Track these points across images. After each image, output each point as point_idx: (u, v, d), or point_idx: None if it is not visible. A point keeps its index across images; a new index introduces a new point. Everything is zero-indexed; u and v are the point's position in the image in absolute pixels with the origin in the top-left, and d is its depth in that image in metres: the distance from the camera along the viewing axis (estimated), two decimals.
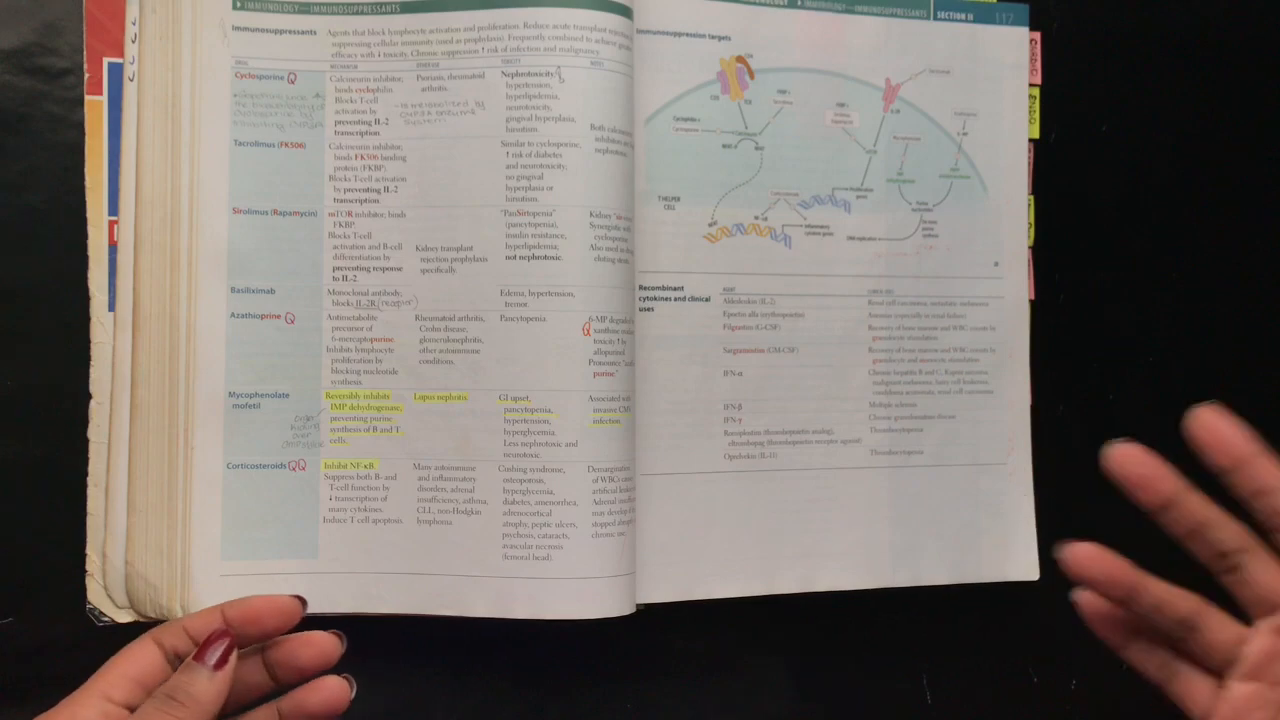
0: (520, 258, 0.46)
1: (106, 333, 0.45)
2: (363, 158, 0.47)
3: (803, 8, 0.52)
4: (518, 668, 0.50)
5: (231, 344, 0.46)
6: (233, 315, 0.46)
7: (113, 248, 0.46)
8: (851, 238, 0.52)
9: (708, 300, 0.50)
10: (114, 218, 0.46)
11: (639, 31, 0.49)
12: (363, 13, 0.47)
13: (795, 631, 0.52)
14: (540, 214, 0.46)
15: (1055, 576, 0.54)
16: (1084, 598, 0.37)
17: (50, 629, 0.45)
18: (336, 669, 0.39)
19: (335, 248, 0.47)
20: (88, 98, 0.46)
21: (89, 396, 0.45)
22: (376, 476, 0.47)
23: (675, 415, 0.50)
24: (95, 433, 0.45)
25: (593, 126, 0.46)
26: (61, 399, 0.45)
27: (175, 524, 0.45)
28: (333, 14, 0.47)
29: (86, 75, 0.46)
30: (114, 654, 0.38)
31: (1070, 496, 0.55)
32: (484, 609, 0.45)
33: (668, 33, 0.50)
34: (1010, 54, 0.54)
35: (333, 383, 0.47)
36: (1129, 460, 0.37)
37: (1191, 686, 0.36)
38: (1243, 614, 0.37)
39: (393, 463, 0.47)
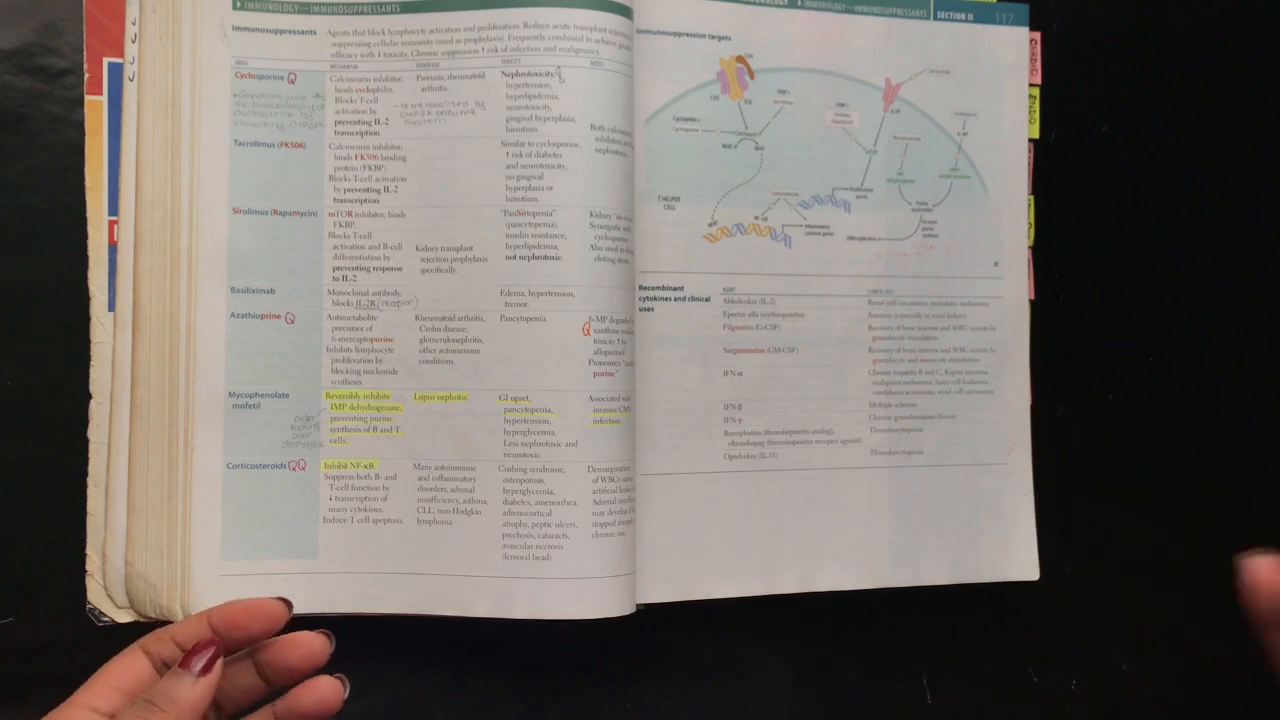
0: (520, 258, 0.46)
1: (106, 333, 0.45)
2: (363, 158, 0.47)
3: (803, 8, 0.52)
4: (518, 668, 0.50)
5: (231, 344, 0.46)
6: (233, 315, 0.46)
7: (113, 248, 0.46)
8: (851, 238, 0.52)
9: (708, 300, 0.50)
10: (114, 218, 0.46)
11: (639, 31, 0.49)
12: (363, 13, 0.47)
13: (795, 631, 0.52)
14: (540, 214, 0.46)
15: (1055, 576, 0.55)
16: (1259, 576, 0.36)
17: (50, 629, 0.45)
18: (330, 668, 0.39)
19: (335, 248, 0.47)
20: (88, 98, 0.46)
21: (89, 396, 0.45)
22: (376, 476, 0.47)
23: (675, 415, 0.50)
24: (95, 433, 0.45)
25: (593, 126, 0.46)
26: (61, 399, 0.45)
27: (175, 524, 0.45)
28: (333, 14, 0.47)
29: (86, 75, 0.46)
30: (112, 655, 0.38)
31: (1070, 496, 0.55)
32: (484, 609, 0.45)
33: (668, 33, 0.50)
34: (1010, 54, 0.54)
35: (333, 383, 0.47)
36: (1266, 572, 0.36)
37: None
38: None
39: (393, 463, 0.47)
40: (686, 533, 0.49)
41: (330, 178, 0.47)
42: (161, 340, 0.45)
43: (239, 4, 0.47)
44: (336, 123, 0.47)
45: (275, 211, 0.47)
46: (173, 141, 0.46)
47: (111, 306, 0.46)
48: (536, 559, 0.45)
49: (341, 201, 0.47)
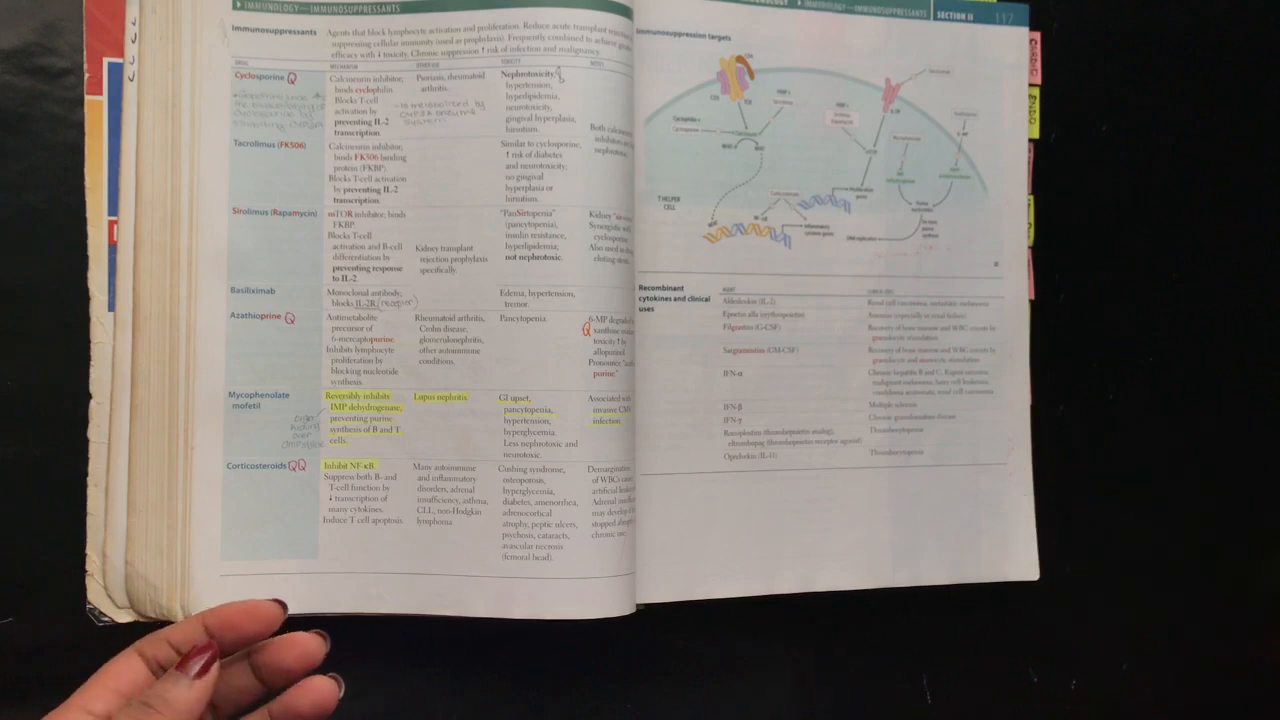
0: (520, 258, 0.46)
1: (106, 333, 0.45)
2: (363, 158, 0.47)
3: (803, 8, 0.52)
4: (518, 668, 0.50)
5: (231, 344, 0.46)
6: (233, 315, 0.46)
7: (113, 248, 0.46)
8: (851, 238, 0.52)
9: (708, 300, 0.50)
10: (114, 218, 0.46)
11: (639, 31, 0.49)
12: (363, 13, 0.47)
13: (795, 631, 0.52)
14: (540, 214, 0.46)
15: (1055, 576, 0.55)
16: None
17: (50, 629, 0.45)
18: (330, 668, 0.39)
19: (335, 248, 0.47)
20: (88, 98, 0.46)
21: (89, 396, 0.45)
22: (376, 476, 0.47)
23: (675, 415, 0.50)
24: (95, 433, 0.45)
25: (593, 126, 0.46)
26: (61, 399, 0.45)
27: (175, 524, 0.45)
28: (333, 14, 0.47)
29: (86, 75, 0.46)
30: (112, 655, 0.38)
31: (1070, 496, 0.55)
32: (484, 609, 0.45)
33: (668, 33, 0.50)
34: (1010, 54, 0.54)
35: (333, 383, 0.47)
36: None
37: None
38: None
39: (393, 463, 0.47)
40: (686, 533, 0.49)
41: (330, 178, 0.47)
42: (161, 340, 0.45)
43: (239, 4, 0.47)
44: (336, 123, 0.47)
45: (275, 211, 0.47)
46: (173, 141, 0.46)
47: (111, 306, 0.46)
48: (536, 559, 0.45)
49: (341, 201, 0.47)
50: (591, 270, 0.46)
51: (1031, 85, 0.55)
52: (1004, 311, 0.54)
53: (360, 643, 0.43)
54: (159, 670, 0.37)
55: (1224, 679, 0.57)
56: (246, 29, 0.47)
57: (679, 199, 0.50)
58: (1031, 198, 0.55)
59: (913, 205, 0.53)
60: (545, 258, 0.46)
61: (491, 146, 0.46)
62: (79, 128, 0.46)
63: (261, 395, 0.46)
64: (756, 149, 0.51)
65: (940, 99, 0.53)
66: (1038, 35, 0.55)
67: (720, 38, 0.51)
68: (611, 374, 0.46)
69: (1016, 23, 0.54)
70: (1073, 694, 0.56)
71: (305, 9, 0.47)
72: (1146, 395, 0.57)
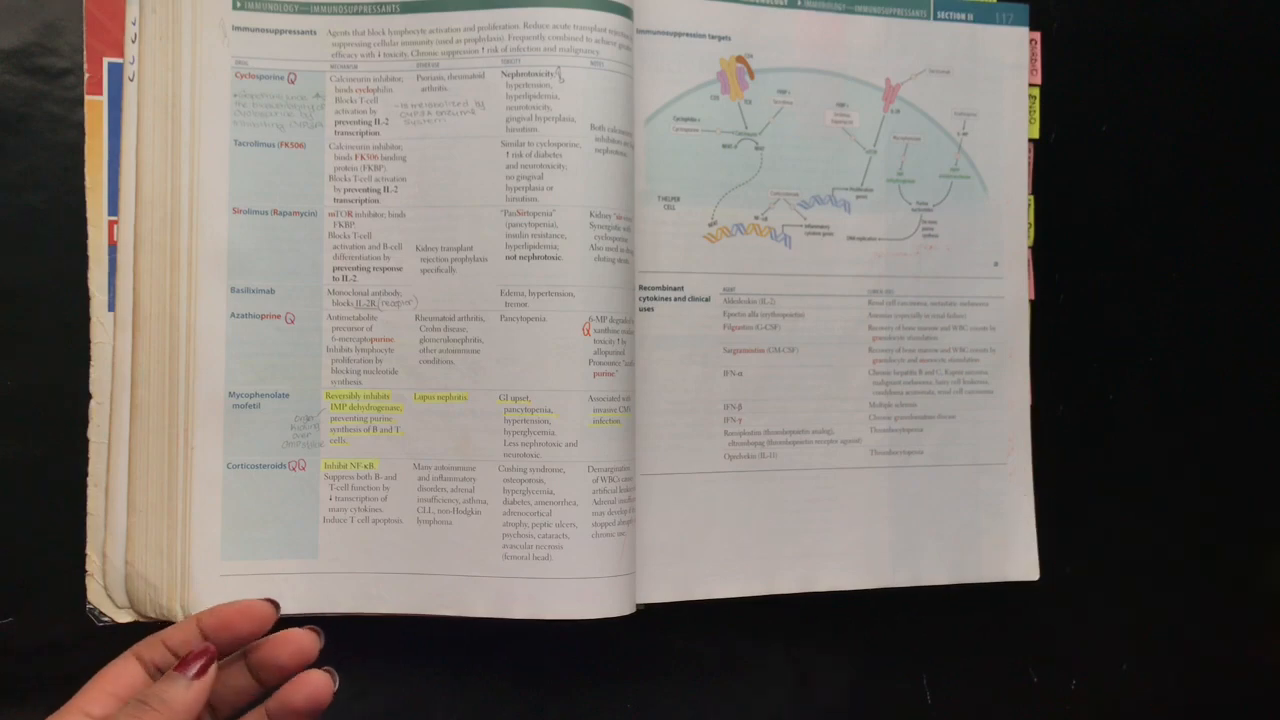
0: (520, 258, 0.46)
1: (106, 333, 0.45)
2: (363, 158, 0.47)
3: (803, 8, 0.52)
4: (518, 668, 0.50)
5: (231, 344, 0.46)
6: (233, 315, 0.46)
7: (113, 248, 0.46)
8: (851, 238, 0.52)
9: (708, 300, 0.50)
10: (114, 218, 0.46)
11: (639, 31, 0.49)
12: (363, 13, 0.47)
13: (795, 631, 0.52)
14: (540, 214, 0.46)
15: (1055, 576, 0.55)
16: None
17: (50, 629, 0.45)
18: (321, 664, 0.39)
19: (335, 248, 0.47)
20: (88, 98, 0.46)
21: (89, 396, 0.45)
22: (376, 476, 0.47)
23: (675, 415, 0.50)
24: (95, 433, 0.45)
25: (593, 126, 0.46)
26: (61, 399, 0.45)
27: (175, 524, 0.45)
28: (333, 14, 0.47)
29: (86, 75, 0.46)
30: (112, 655, 0.38)
31: (1070, 496, 0.55)
32: (484, 609, 0.45)
33: (668, 33, 0.50)
34: (1010, 54, 0.54)
35: (333, 383, 0.47)
36: None
37: None
38: None
39: (393, 463, 0.47)
40: (686, 533, 0.49)
41: (330, 178, 0.47)
42: (161, 340, 0.45)
43: (239, 4, 0.47)
44: (336, 123, 0.47)
45: (275, 211, 0.47)
46: (173, 141, 0.46)
47: (111, 306, 0.46)
48: (536, 559, 0.45)
49: (341, 201, 0.47)
50: (591, 270, 0.46)
51: (1031, 85, 0.55)
52: (1004, 311, 0.54)
53: (360, 643, 0.43)
54: (156, 673, 0.37)
55: (1224, 679, 0.57)
56: (246, 29, 0.47)
57: (679, 199, 0.50)
58: (1031, 198, 0.55)
59: (913, 205, 0.53)
60: (545, 258, 0.46)
61: (491, 146, 0.46)
62: (79, 128, 0.46)
63: (261, 395, 0.46)
64: (756, 149, 0.51)
65: (940, 99, 0.53)
66: (1038, 35, 0.55)
67: (720, 38, 0.51)
68: (611, 374, 0.46)
69: (1016, 23, 0.54)
70: (1073, 694, 0.56)
71: (305, 9, 0.47)
72: (1146, 395, 0.57)
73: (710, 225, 0.50)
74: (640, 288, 0.49)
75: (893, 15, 0.53)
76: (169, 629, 0.39)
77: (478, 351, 0.46)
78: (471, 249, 0.46)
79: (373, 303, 0.47)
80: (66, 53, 0.46)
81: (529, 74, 0.46)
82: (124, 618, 0.45)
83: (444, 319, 0.47)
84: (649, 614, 0.49)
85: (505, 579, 0.45)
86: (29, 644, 0.45)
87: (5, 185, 0.46)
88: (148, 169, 0.46)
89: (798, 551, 0.51)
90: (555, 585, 0.45)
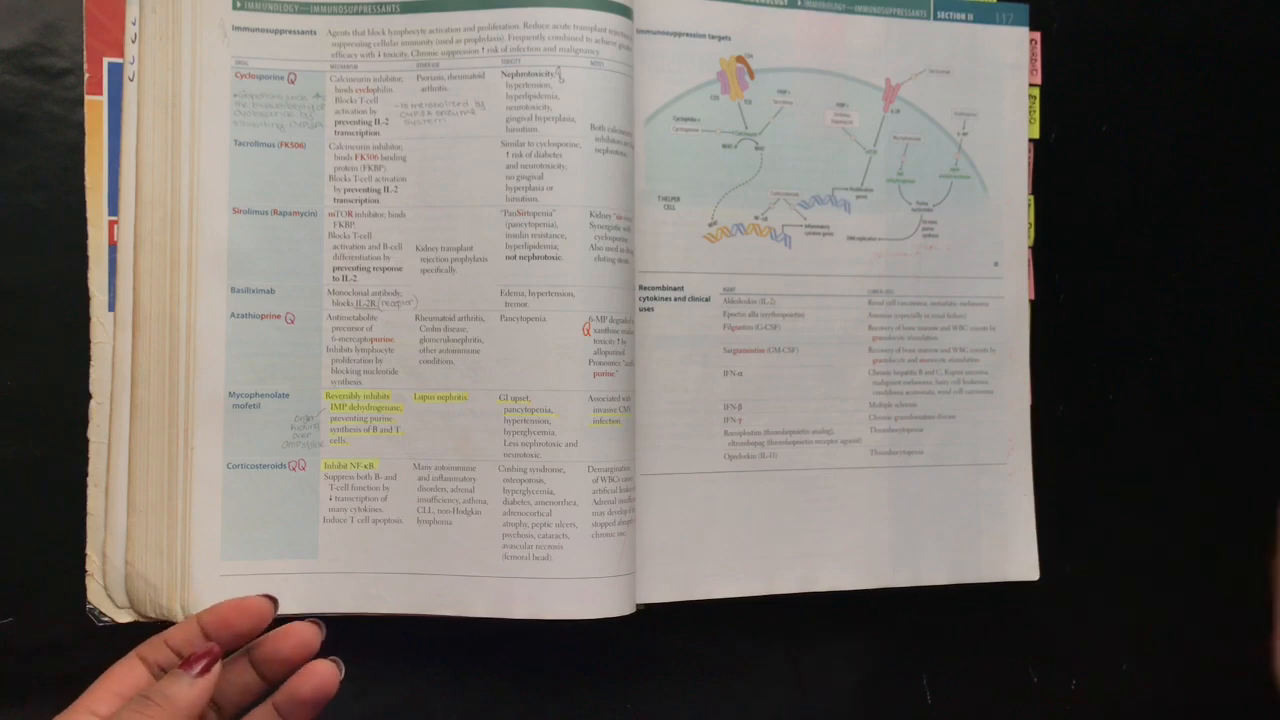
0: (520, 258, 0.46)
1: (106, 333, 0.45)
2: (363, 158, 0.47)
3: (803, 8, 0.52)
4: (518, 668, 0.50)
5: (231, 344, 0.46)
6: (233, 315, 0.46)
7: (113, 248, 0.46)
8: (851, 238, 0.52)
9: (708, 300, 0.50)
10: (114, 218, 0.46)
11: (639, 31, 0.49)
12: (363, 13, 0.47)
13: (795, 631, 0.52)
14: (540, 214, 0.46)
15: (1055, 576, 0.55)
16: None
17: (50, 629, 0.45)
18: (321, 656, 0.40)
19: (335, 248, 0.47)
20: (88, 98, 0.46)
21: (89, 396, 0.45)
22: (376, 476, 0.47)
23: (675, 415, 0.50)
24: (95, 433, 0.45)
25: (593, 126, 0.46)
26: (61, 399, 0.45)
27: (175, 524, 0.45)
28: (333, 14, 0.47)
29: (86, 75, 0.46)
30: (112, 655, 0.38)
31: (1070, 496, 0.55)
32: (484, 609, 0.45)
33: (668, 33, 0.50)
34: (1010, 54, 0.54)
35: (333, 383, 0.47)
36: None
37: None
38: None
39: (393, 463, 0.47)
40: (686, 533, 0.49)
41: (330, 178, 0.47)
42: (161, 340, 0.45)
43: (239, 4, 0.47)
44: (336, 123, 0.47)
45: (275, 211, 0.47)
46: (173, 141, 0.46)
47: (111, 306, 0.46)
48: (536, 559, 0.45)
49: (341, 201, 0.47)
50: (591, 270, 0.46)
51: (1031, 85, 0.55)
52: (1004, 311, 0.54)
53: (360, 643, 0.43)
54: (159, 674, 0.38)
55: (1224, 679, 0.57)
56: (246, 29, 0.47)
57: (679, 199, 0.50)
58: (1031, 198, 0.55)
59: (913, 205, 0.53)
60: (545, 258, 0.46)
61: (491, 146, 0.46)
62: (79, 128, 0.46)
63: (261, 395, 0.46)
64: (756, 149, 0.51)
65: (940, 99, 0.53)
66: (1038, 35, 0.55)
67: (720, 38, 0.51)
68: (611, 374, 0.46)
69: (1016, 23, 0.54)
70: (1073, 694, 0.56)
71: (305, 9, 0.47)
72: (1146, 395, 0.57)
73: (710, 225, 0.50)
74: (640, 288, 0.49)
75: (893, 15, 0.53)
76: (170, 629, 0.39)
77: (478, 351, 0.46)
78: (471, 249, 0.46)
79: (373, 303, 0.47)
80: (66, 53, 0.46)
81: (529, 74, 0.46)
82: (124, 618, 0.45)
83: (444, 319, 0.47)
84: (649, 614, 0.49)
85: (505, 579, 0.45)
86: (29, 644, 0.45)
87: (5, 185, 0.46)
88: (148, 169, 0.46)
89: (798, 551, 0.51)
90: (555, 585, 0.45)
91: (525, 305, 0.46)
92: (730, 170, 0.51)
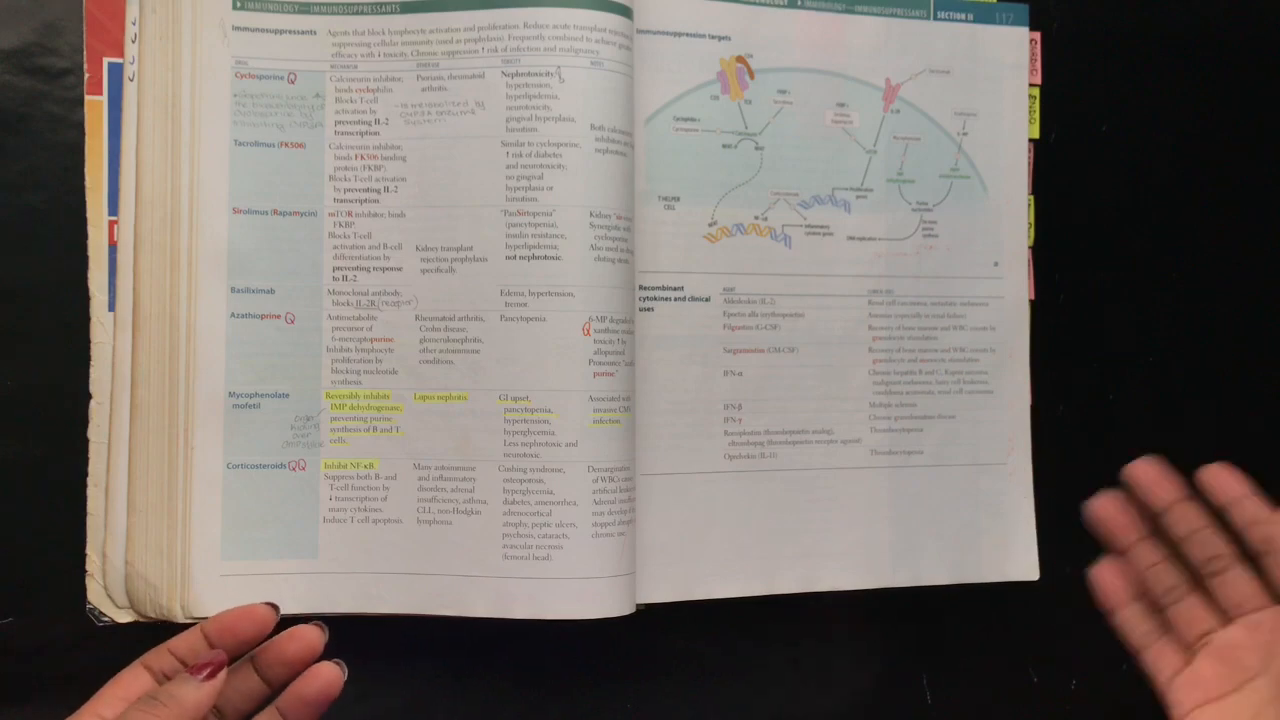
0: (520, 258, 0.46)
1: (106, 333, 0.45)
2: (363, 158, 0.47)
3: (803, 8, 0.52)
4: (518, 668, 0.50)
5: (231, 344, 0.46)
6: (233, 315, 0.46)
7: (113, 248, 0.46)
8: (851, 238, 0.52)
9: (708, 300, 0.50)
10: (114, 218, 0.46)
11: (639, 31, 0.49)
12: (363, 13, 0.47)
13: (795, 631, 0.52)
14: (540, 214, 0.46)
15: (1055, 576, 0.55)
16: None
17: (50, 629, 0.45)
18: (325, 660, 0.40)
19: (335, 248, 0.47)
20: (88, 98, 0.46)
21: (89, 396, 0.45)
22: (376, 476, 0.47)
23: (675, 415, 0.50)
24: (95, 433, 0.45)
25: (593, 126, 0.46)
26: (61, 399, 0.45)
27: (175, 524, 0.45)
28: (333, 14, 0.47)
29: (86, 75, 0.46)
30: (112, 655, 0.38)
31: (1070, 496, 0.55)
32: (484, 609, 0.45)
33: (668, 33, 0.50)
34: (1010, 54, 0.54)
35: (333, 383, 0.47)
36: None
37: (1162, 657, 0.42)
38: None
39: (393, 463, 0.47)
40: (686, 533, 0.49)
41: (330, 178, 0.47)
42: (161, 340, 0.45)
43: (239, 4, 0.47)
44: (336, 123, 0.47)
45: (275, 211, 0.47)
46: (173, 141, 0.46)
47: (111, 306, 0.46)
48: (536, 559, 0.45)
49: (341, 201, 0.47)
50: (591, 270, 0.46)
51: (1031, 85, 0.55)
52: (1004, 311, 0.54)
53: (360, 643, 0.43)
54: (164, 681, 0.38)
55: None
56: (246, 29, 0.47)
57: (679, 199, 0.50)
58: (1031, 198, 0.55)
59: (913, 205, 0.53)
60: (545, 258, 0.46)
61: (491, 146, 0.46)
62: (79, 128, 0.46)
63: (261, 395, 0.46)
64: (756, 149, 0.51)
65: (940, 99, 0.53)
66: (1038, 35, 0.55)
67: (720, 38, 0.51)
68: (611, 374, 0.46)
69: (1016, 23, 0.54)
70: (1073, 694, 0.55)
71: (305, 9, 0.47)
72: (1146, 395, 0.57)
73: (710, 225, 0.50)
74: (640, 288, 0.49)
75: (893, 15, 0.53)
76: (175, 638, 0.39)
77: (478, 351, 0.46)
78: (471, 249, 0.46)
79: (373, 303, 0.47)
80: (66, 53, 0.46)
81: (529, 74, 0.46)
82: (124, 618, 0.45)
83: (444, 319, 0.47)
84: (649, 614, 0.49)
85: (505, 579, 0.45)
86: (29, 644, 0.45)
87: (5, 185, 0.46)
88: (148, 169, 0.46)
89: (798, 551, 0.51)
90: (555, 585, 0.45)
91: (525, 305, 0.46)
92: (730, 170, 0.51)
